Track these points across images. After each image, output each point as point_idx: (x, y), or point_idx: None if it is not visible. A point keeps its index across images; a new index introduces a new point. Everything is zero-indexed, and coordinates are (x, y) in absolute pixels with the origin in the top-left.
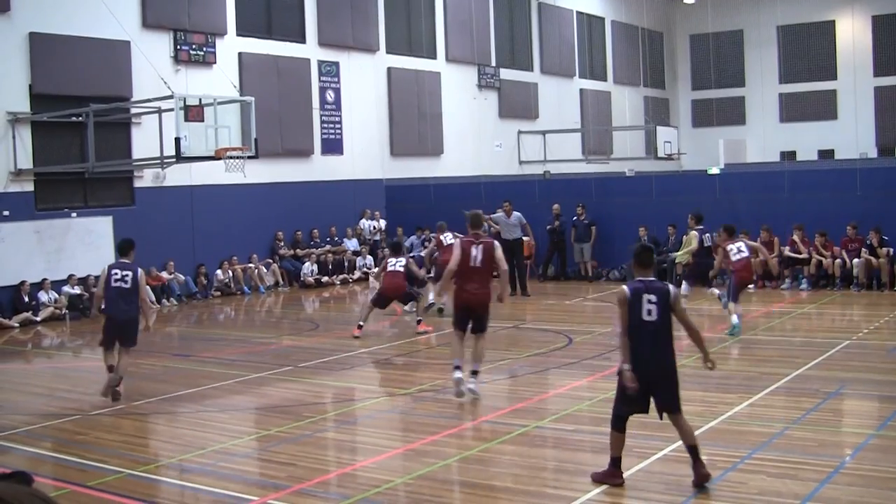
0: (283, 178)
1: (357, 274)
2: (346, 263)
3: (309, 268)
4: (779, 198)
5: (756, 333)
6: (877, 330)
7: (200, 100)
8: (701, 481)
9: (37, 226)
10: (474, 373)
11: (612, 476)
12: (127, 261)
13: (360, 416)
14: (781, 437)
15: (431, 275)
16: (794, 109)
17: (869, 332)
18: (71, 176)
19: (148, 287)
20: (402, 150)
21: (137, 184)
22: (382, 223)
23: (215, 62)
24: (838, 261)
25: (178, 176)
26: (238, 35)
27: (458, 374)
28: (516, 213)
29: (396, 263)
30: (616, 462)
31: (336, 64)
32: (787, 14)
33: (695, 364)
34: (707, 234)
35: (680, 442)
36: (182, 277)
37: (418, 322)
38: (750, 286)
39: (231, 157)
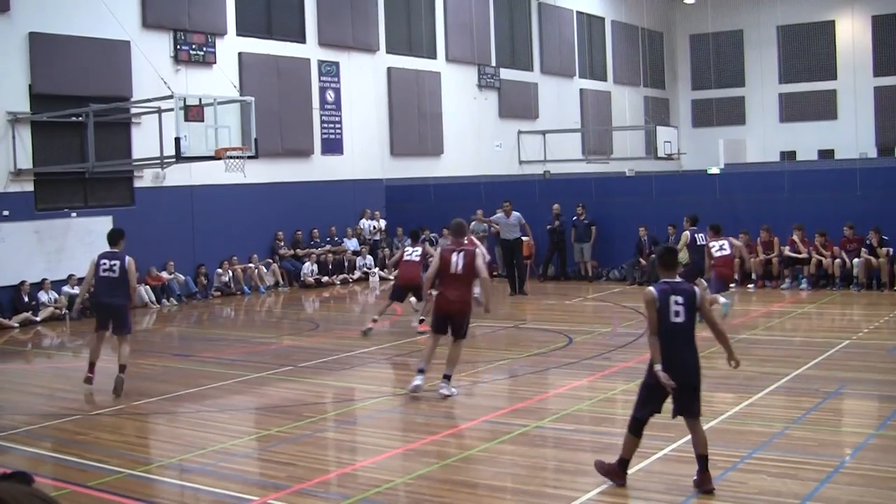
0: (283, 178)
1: (357, 274)
2: (346, 263)
3: (309, 268)
4: (779, 198)
5: (756, 333)
6: (877, 330)
7: (200, 100)
8: (703, 489)
9: (37, 226)
10: (446, 377)
11: (615, 475)
12: (116, 250)
13: (360, 416)
14: (781, 436)
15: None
16: (793, 109)
17: (869, 331)
18: (71, 176)
19: (137, 274)
20: (402, 150)
21: (137, 184)
22: (382, 223)
23: (215, 62)
24: (838, 261)
25: (178, 176)
26: (238, 35)
27: (418, 380)
28: (515, 213)
29: (413, 253)
30: (624, 464)
31: (336, 64)
32: (787, 14)
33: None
34: (700, 234)
35: (680, 442)
36: (182, 277)
37: (420, 321)
38: (732, 284)
39: (231, 157)
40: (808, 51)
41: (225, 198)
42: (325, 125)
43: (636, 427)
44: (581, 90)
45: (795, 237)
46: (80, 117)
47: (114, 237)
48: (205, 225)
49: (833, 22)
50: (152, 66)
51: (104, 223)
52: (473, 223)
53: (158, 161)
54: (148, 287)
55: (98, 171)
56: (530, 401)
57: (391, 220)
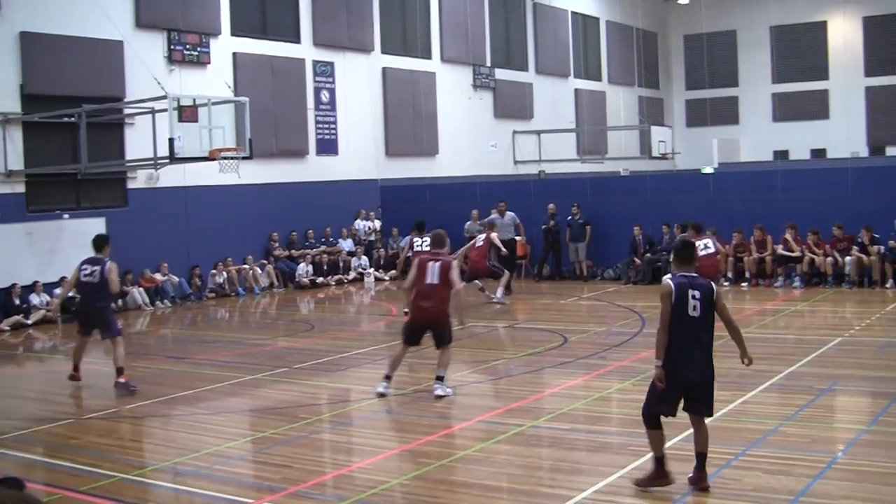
0: (278, 179)
1: (352, 275)
2: (341, 264)
3: (304, 269)
4: (772, 197)
5: (750, 331)
6: (868, 327)
7: (194, 100)
8: (698, 487)
9: (28, 227)
10: (439, 378)
11: (659, 478)
12: (99, 256)
13: (355, 417)
14: (775, 433)
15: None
16: (786, 109)
17: (861, 329)
18: (63, 177)
19: (132, 290)
20: (398, 150)
21: (130, 185)
22: (377, 224)
23: (209, 62)
24: (830, 259)
25: (171, 177)
26: (232, 35)
27: (382, 387)
28: (510, 213)
29: (423, 243)
30: (660, 461)
31: (331, 64)
32: (780, 15)
33: None
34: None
35: (676, 440)
36: (176, 279)
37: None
38: (725, 283)
39: (225, 158)
40: (801, 51)
41: (219, 199)
42: (320, 125)
43: (653, 421)
44: (576, 90)
45: (788, 236)
46: (72, 118)
47: (98, 243)
48: (199, 226)
49: (825, 23)
50: (146, 66)
51: (97, 225)
52: (468, 223)
53: (152, 162)
54: (142, 289)
55: (91, 173)
56: (525, 400)
57: (386, 221)
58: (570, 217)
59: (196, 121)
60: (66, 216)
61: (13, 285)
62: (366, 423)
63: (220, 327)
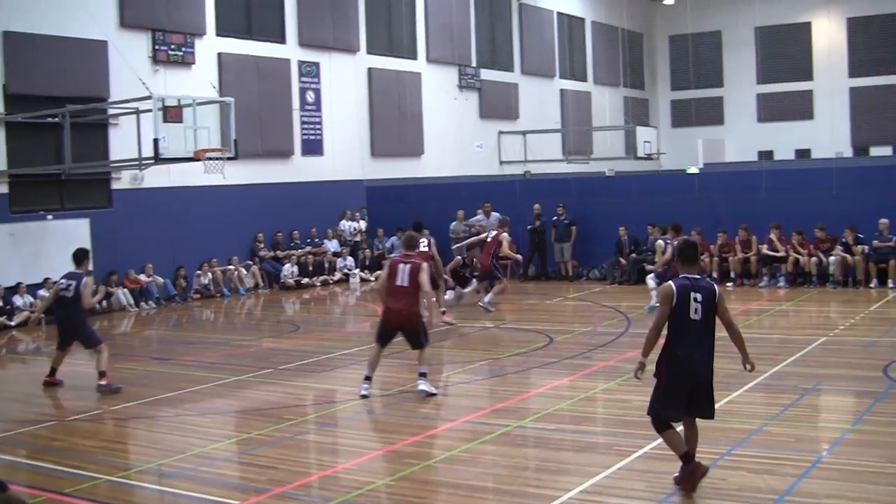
0: (263, 180)
1: (338, 275)
2: (326, 265)
3: (289, 269)
4: (756, 197)
5: None
6: (853, 326)
7: (179, 100)
8: (681, 484)
9: (11, 228)
10: (422, 374)
11: (692, 472)
12: (78, 270)
13: (341, 418)
14: (760, 433)
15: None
16: (771, 109)
17: (845, 328)
18: (47, 178)
19: (93, 298)
20: (383, 150)
21: (115, 185)
22: (363, 224)
23: (194, 62)
24: (815, 259)
25: (156, 177)
26: (217, 35)
27: (364, 389)
28: (495, 214)
29: (421, 245)
30: (687, 457)
31: (316, 64)
32: (765, 15)
33: None
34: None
35: (660, 440)
36: (161, 280)
37: (443, 312)
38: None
39: (210, 159)
40: (786, 52)
41: (204, 199)
42: (306, 126)
43: (663, 425)
44: (561, 90)
45: (773, 236)
46: (56, 118)
47: (77, 257)
48: (184, 227)
49: (809, 23)
50: (130, 66)
51: (81, 226)
52: (454, 223)
53: (136, 163)
54: (126, 290)
55: (75, 173)
56: (511, 401)
57: (372, 221)
58: (555, 217)
59: (181, 121)
60: (49, 217)
61: None
62: (351, 424)
63: (205, 328)
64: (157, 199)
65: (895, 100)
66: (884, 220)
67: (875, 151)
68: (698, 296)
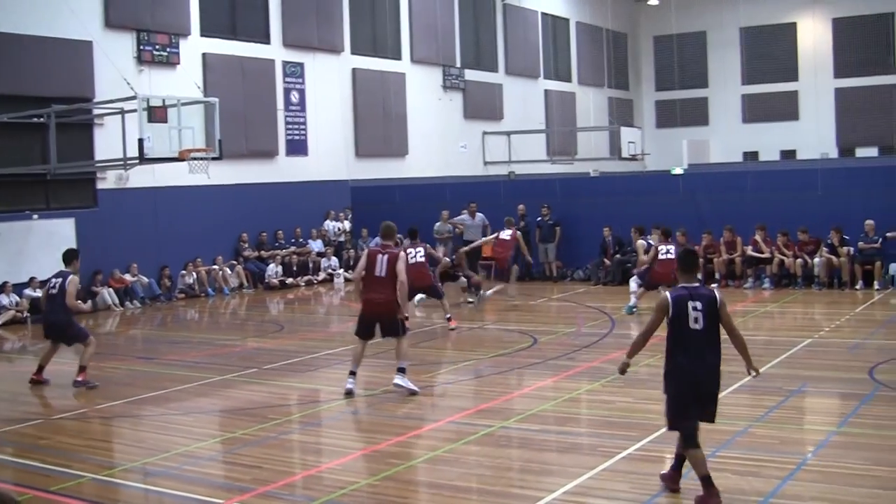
0: (248, 180)
1: (322, 275)
2: (310, 265)
3: (273, 269)
4: (741, 198)
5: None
6: (838, 328)
7: (164, 101)
8: (670, 487)
9: None
10: (401, 370)
11: (710, 497)
12: (67, 270)
13: (325, 417)
14: (745, 434)
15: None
16: (756, 110)
17: (830, 330)
18: (32, 178)
19: (78, 300)
20: (367, 150)
21: (100, 185)
22: (347, 224)
23: (179, 63)
24: (800, 260)
25: (141, 177)
26: (202, 35)
27: (350, 384)
28: (479, 215)
29: (417, 254)
30: (708, 480)
31: (301, 65)
32: (750, 16)
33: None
34: (649, 240)
35: (644, 441)
36: (145, 280)
37: (448, 318)
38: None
39: (195, 159)
40: (771, 52)
41: (189, 199)
42: (290, 126)
43: (690, 441)
44: (546, 91)
45: (758, 237)
46: (41, 118)
47: (66, 257)
48: (168, 227)
49: (794, 24)
50: (115, 66)
51: (66, 225)
52: (438, 224)
53: (121, 162)
54: (111, 289)
55: (60, 173)
56: (495, 401)
57: (356, 222)
58: (539, 218)
59: (166, 121)
60: (35, 217)
61: None
62: (335, 423)
63: (189, 328)
64: (142, 198)
65: (881, 100)
66: (869, 222)
67: (861, 152)
68: (698, 304)
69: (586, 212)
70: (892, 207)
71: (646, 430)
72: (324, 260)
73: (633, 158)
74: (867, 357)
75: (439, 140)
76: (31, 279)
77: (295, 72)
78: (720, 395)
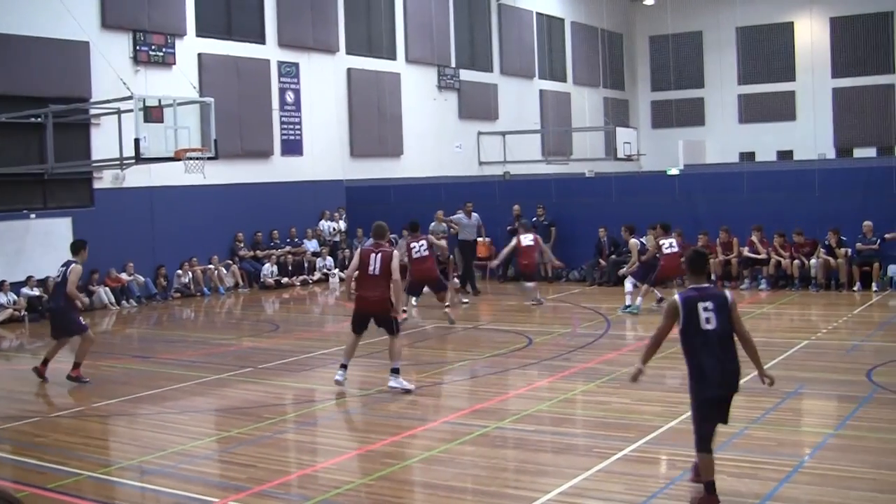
0: (243, 179)
1: (317, 275)
2: (306, 264)
3: (269, 269)
4: (738, 198)
5: None
6: (835, 330)
7: (160, 101)
8: (696, 479)
9: None
10: (394, 371)
11: (710, 503)
12: (74, 259)
13: (320, 417)
14: (741, 436)
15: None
16: (753, 110)
17: (827, 332)
18: (29, 177)
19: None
20: (362, 150)
21: (97, 185)
22: (342, 224)
23: (175, 63)
24: (797, 261)
25: (137, 177)
26: (198, 36)
27: (339, 375)
28: (475, 215)
29: (421, 248)
30: (711, 487)
31: (296, 65)
32: (746, 16)
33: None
34: (641, 239)
35: (640, 443)
36: (141, 279)
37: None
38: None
39: (190, 158)
40: (767, 52)
41: (185, 199)
42: (285, 126)
43: (704, 445)
44: (541, 91)
45: (754, 238)
46: (38, 118)
47: (74, 246)
48: (164, 226)
49: (791, 23)
50: (111, 66)
51: (63, 224)
52: (433, 224)
53: (118, 162)
54: (107, 288)
55: (57, 173)
56: (490, 402)
57: (351, 222)
58: (535, 218)
59: (162, 121)
60: (32, 216)
61: None
62: (330, 423)
63: (185, 327)
64: (138, 198)
65: (879, 100)
66: (867, 223)
67: (858, 153)
68: (708, 304)
69: (582, 212)
70: (890, 208)
71: (641, 432)
72: (319, 260)
73: (628, 159)
74: (865, 359)
75: (434, 140)
76: (29, 278)
77: (290, 72)
78: None
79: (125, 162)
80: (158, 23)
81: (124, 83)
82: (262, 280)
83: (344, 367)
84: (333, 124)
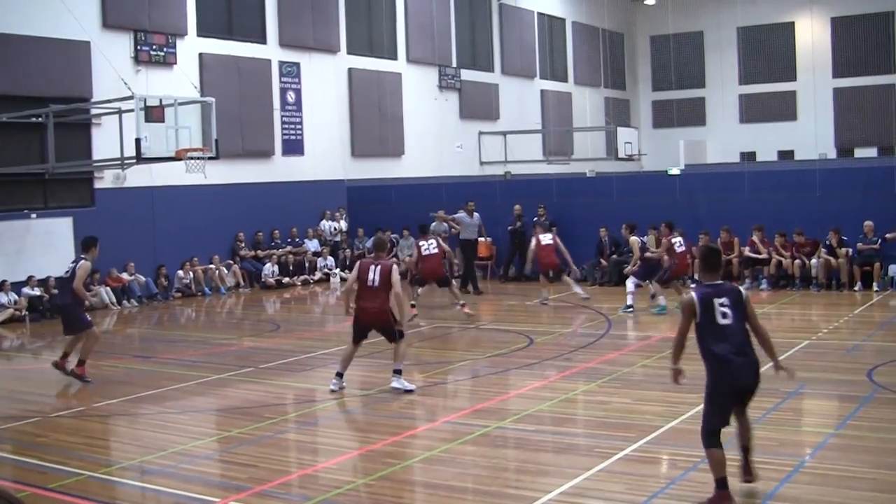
0: (244, 179)
1: (318, 275)
2: (306, 264)
3: (270, 269)
4: (739, 198)
5: None
6: (836, 330)
7: (161, 100)
8: (746, 481)
9: None
10: (397, 372)
11: (722, 500)
12: (84, 256)
13: (321, 417)
14: None
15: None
16: (753, 110)
17: (828, 332)
18: (30, 177)
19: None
20: (363, 150)
21: (98, 185)
22: (344, 224)
23: (176, 63)
24: (797, 261)
25: (138, 177)
26: (199, 36)
27: (334, 384)
28: (476, 214)
29: (430, 246)
30: (722, 483)
31: (297, 65)
32: (747, 15)
33: (655, 364)
34: (642, 238)
35: (641, 442)
36: (143, 279)
37: (462, 305)
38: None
39: (192, 158)
40: (768, 52)
41: (185, 199)
42: (286, 126)
43: (713, 440)
44: (542, 91)
45: (755, 238)
46: (39, 118)
47: (85, 243)
48: (165, 226)
49: (792, 23)
50: (112, 66)
51: (64, 224)
52: (434, 224)
53: (119, 162)
54: (108, 288)
55: (58, 172)
56: (491, 401)
57: (352, 221)
58: (536, 218)
59: (163, 121)
60: (33, 216)
61: None
62: (331, 423)
63: (186, 327)
64: (139, 198)
65: (880, 100)
66: (868, 223)
67: (859, 153)
68: (724, 300)
69: (583, 212)
70: (891, 208)
71: (642, 431)
72: (320, 259)
73: (629, 159)
74: (866, 359)
75: (435, 140)
76: (30, 278)
77: (291, 72)
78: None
79: (126, 162)
80: (159, 22)
81: (125, 83)
82: (262, 280)
83: (340, 375)
84: (334, 124)
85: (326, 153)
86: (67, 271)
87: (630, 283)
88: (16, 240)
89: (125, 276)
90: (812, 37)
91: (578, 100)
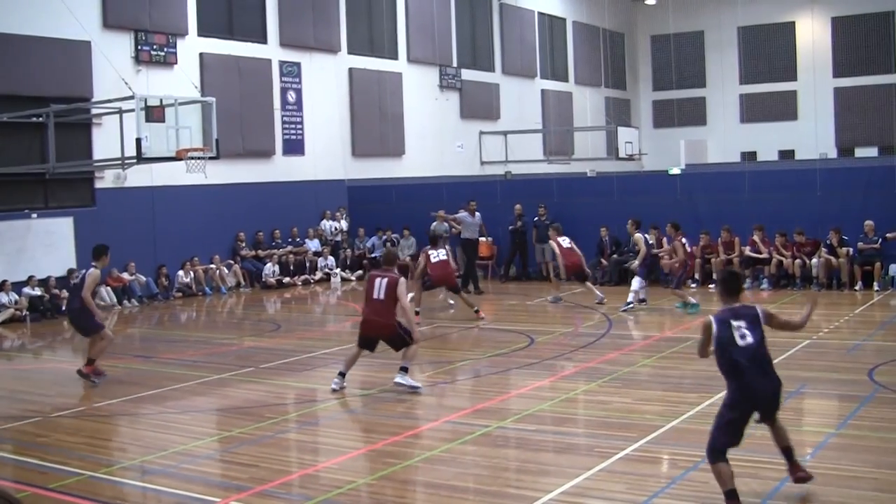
0: (245, 179)
1: (318, 275)
2: (307, 264)
3: (270, 268)
4: (739, 198)
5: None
6: (837, 329)
7: (161, 100)
8: (798, 481)
9: None
10: (403, 369)
11: None
12: (93, 263)
13: (321, 417)
14: (743, 435)
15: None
16: (754, 110)
17: (829, 331)
18: (31, 177)
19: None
20: (364, 150)
21: (98, 185)
22: (344, 224)
23: (176, 63)
24: (798, 261)
25: (139, 177)
26: (199, 35)
27: (335, 384)
28: (478, 213)
29: (440, 253)
30: (732, 495)
31: (297, 64)
32: (748, 15)
33: (654, 364)
34: (646, 235)
35: (641, 442)
36: (143, 278)
37: (476, 311)
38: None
39: (192, 158)
40: (769, 52)
41: (186, 199)
42: (287, 126)
43: (719, 456)
44: (542, 91)
45: (756, 237)
46: (40, 118)
47: (95, 252)
48: (166, 226)
49: (793, 23)
50: (113, 66)
51: (65, 224)
52: (434, 224)
53: (119, 162)
54: (109, 288)
55: (58, 172)
56: (492, 401)
57: (353, 221)
58: (536, 218)
59: (163, 121)
60: (34, 216)
61: None
62: (332, 422)
63: (186, 327)
64: (139, 198)
65: (880, 100)
66: (869, 222)
67: (860, 152)
68: (742, 323)
69: (583, 212)
70: (891, 208)
71: (643, 431)
72: (320, 259)
73: (630, 158)
74: (866, 358)
75: (436, 140)
76: (30, 278)
77: (292, 71)
78: (716, 398)
79: (126, 161)
80: (160, 22)
81: (126, 83)
82: (263, 280)
83: (342, 375)
84: (335, 124)
85: (327, 153)
86: (77, 277)
87: (636, 282)
88: (16, 240)
89: (126, 275)
90: (812, 36)
91: (579, 99)
